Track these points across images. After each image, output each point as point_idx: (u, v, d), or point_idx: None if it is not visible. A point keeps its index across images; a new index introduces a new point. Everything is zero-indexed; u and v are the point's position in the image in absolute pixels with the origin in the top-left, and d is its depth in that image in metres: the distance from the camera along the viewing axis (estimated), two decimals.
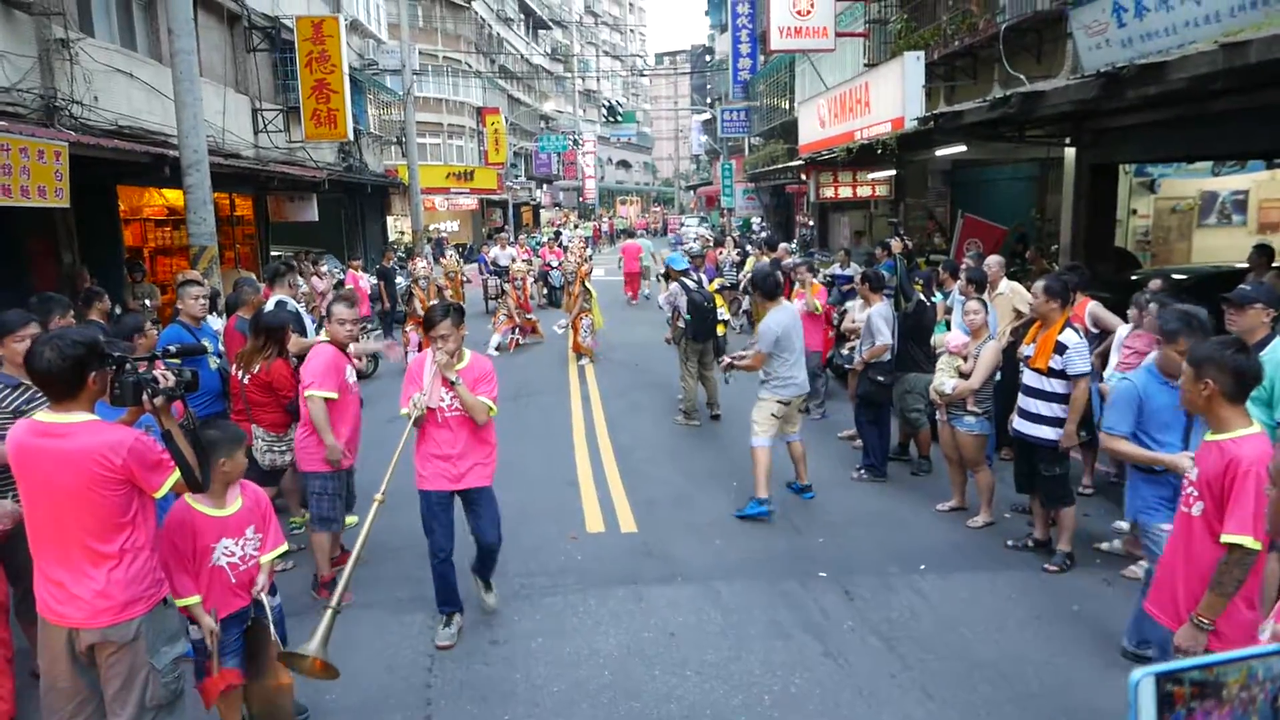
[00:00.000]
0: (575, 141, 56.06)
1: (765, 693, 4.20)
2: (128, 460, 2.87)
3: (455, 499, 4.65)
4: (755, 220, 33.15)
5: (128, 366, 3.00)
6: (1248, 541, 2.91)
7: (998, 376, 6.18)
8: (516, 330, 14.44)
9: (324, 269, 14.86)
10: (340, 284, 14.08)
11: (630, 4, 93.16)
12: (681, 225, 45.92)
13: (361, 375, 7.98)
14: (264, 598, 3.50)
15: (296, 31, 16.40)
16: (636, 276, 21.03)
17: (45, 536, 2.95)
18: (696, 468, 7.77)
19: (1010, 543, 5.81)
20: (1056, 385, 5.28)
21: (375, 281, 15.15)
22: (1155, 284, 6.44)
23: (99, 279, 10.10)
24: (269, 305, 7.02)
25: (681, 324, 9.40)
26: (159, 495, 3.00)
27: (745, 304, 13.99)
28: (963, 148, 12.22)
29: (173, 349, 3.51)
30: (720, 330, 9.62)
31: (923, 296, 7.33)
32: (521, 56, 51.07)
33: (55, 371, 2.85)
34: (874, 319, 7.18)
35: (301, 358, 5.39)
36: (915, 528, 6.23)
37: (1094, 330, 6.55)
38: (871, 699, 4.13)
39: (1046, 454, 5.38)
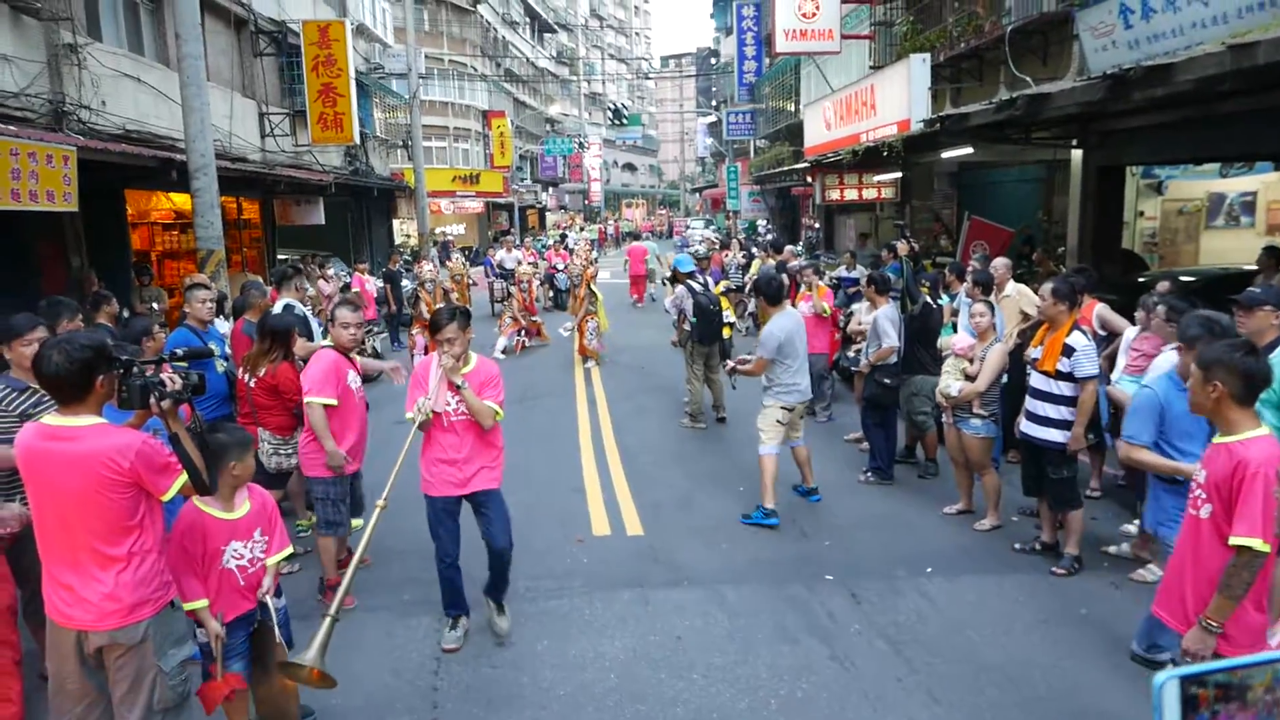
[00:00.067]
0: (581, 144, 56.10)
1: (772, 696, 4.19)
2: (135, 463, 2.88)
3: (463, 504, 4.61)
4: (761, 223, 33.15)
5: (135, 370, 3.01)
6: (1256, 544, 2.90)
7: (1004, 379, 6.17)
8: (522, 333, 14.46)
9: (330, 272, 14.90)
10: (346, 287, 14.12)
11: (635, 7, 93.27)
12: (687, 228, 45.91)
13: (367, 378, 7.97)
14: (269, 600, 3.51)
15: (303, 36, 16.48)
16: (642, 279, 21.04)
17: (53, 539, 2.96)
18: (702, 471, 7.76)
19: (1017, 546, 5.79)
20: (1064, 388, 5.26)
21: (381, 285, 15.19)
22: (1163, 286, 6.42)
23: (107, 282, 10.13)
24: (276, 308, 7.03)
25: (687, 327, 9.40)
26: (166, 498, 3.01)
27: (751, 306, 13.99)
28: (969, 150, 12.19)
29: (180, 352, 3.51)
30: (726, 333, 9.61)
31: (929, 299, 7.33)
32: (527, 60, 51.18)
33: (63, 375, 2.86)
34: (880, 321, 7.17)
35: (307, 361, 5.39)
36: (922, 531, 6.21)
37: (1101, 332, 6.53)
38: (878, 703, 4.12)
39: (1054, 457, 5.36)
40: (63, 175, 8.02)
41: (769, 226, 31.08)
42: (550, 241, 29.11)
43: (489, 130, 38.59)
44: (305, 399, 4.96)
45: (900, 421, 7.54)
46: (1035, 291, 6.79)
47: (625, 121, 68.21)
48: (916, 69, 11.99)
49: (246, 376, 5.59)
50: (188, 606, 3.25)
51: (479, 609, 4.87)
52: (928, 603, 5.12)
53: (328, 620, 3.59)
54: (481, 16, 40.65)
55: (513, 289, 14.88)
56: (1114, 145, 9.80)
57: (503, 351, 13.60)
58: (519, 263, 17.40)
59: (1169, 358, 5.03)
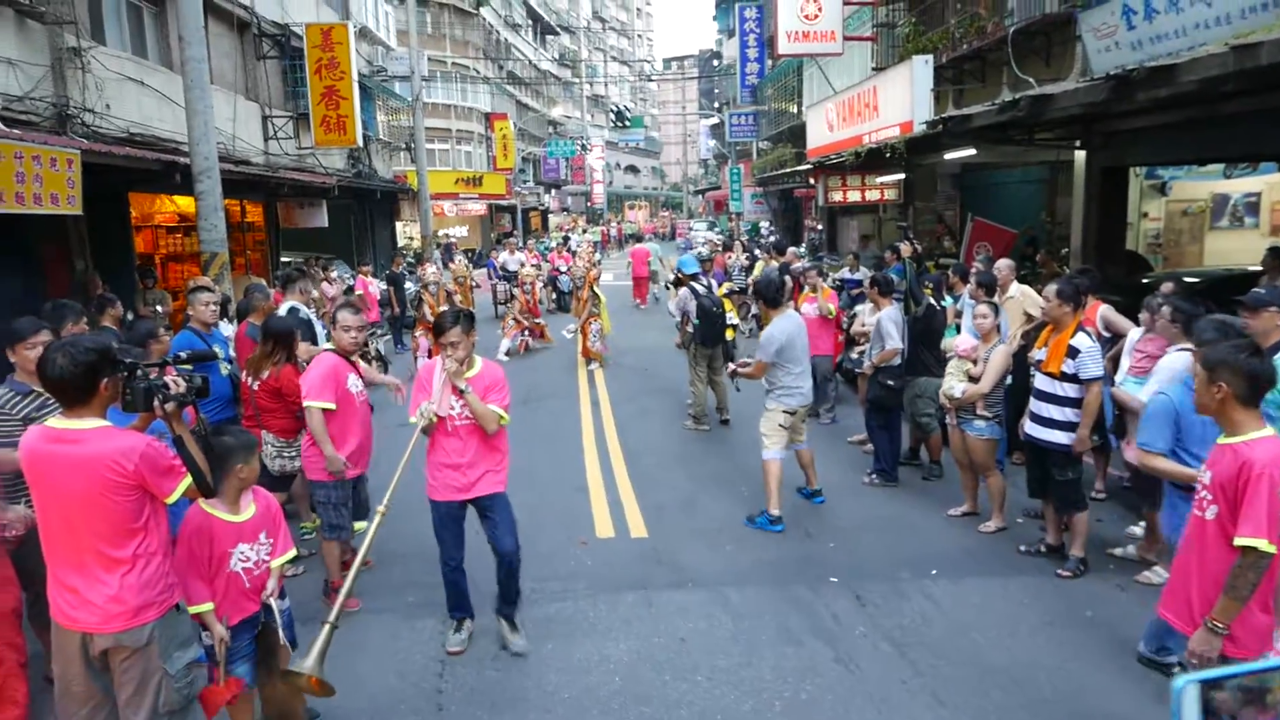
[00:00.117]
0: (583, 146, 56.18)
1: (776, 699, 4.18)
2: (139, 466, 2.89)
3: (468, 508, 4.57)
4: (764, 224, 33.18)
5: (139, 373, 3.01)
6: (1262, 544, 2.89)
7: (1008, 380, 6.16)
8: (525, 334, 14.47)
9: (334, 275, 14.93)
10: (350, 289, 14.15)
11: (638, 9, 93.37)
12: (690, 230, 45.95)
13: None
14: (273, 602, 3.52)
15: (306, 39, 16.52)
16: (645, 281, 21.05)
17: (58, 542, 2.96)
18: (706, 473, 7.75)
19: (1022, 548, 5.77)
20: (1069, 389, 5.25)
21: (385, 287, 15.22)
22: (1167, 287, 6.41)
23: (111, 285, 10.17)
24: (281, 311, 7.03)
25: (690, 329, 9.40)
26: (170, 501, 3.01)
27: (754, 308, 13.97)
28: (972, 151, 12.19)
29: (183, 355, 3.52)
30: (729, 335, 9.61)
31: (932, 300, 7.32)
32: (529, 62, 51.25)
33: (67, 378, 2.87)
34: (884, 323, 7.15)
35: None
36: (926, 533, 6.20)
37: (1105, 334, 6.51)
38: (883, 705, 4.11)
39: (1059, 458, 5.35)
40: (67, 179, 8.04)
41: (772, 228, 31.11)
42: (553, 244, 29.15)
43: (492, 132, 38.65)
44: (303, 403, 4.94)
45: (904, 423, 7.53)
46: (1039, 293, 6.79)
47: (628, 124, 68.32)
48: (919, 70, 11.98)
49: (249, 379, 5.60)
50: (193, 610, 3.25)
51: (483, 612, 4.87)
52: (932, 605, 5.11)
53: (326, 627, 3.58)
54: (484, 19, 40.71)
55: (515, 291, 14.89)
56: (1117, 146, 9.79)
57: (506, 353, 13.61)
58: (522, 265, 17.42)
59: (1173, 359, 5.03)
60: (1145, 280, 10.04)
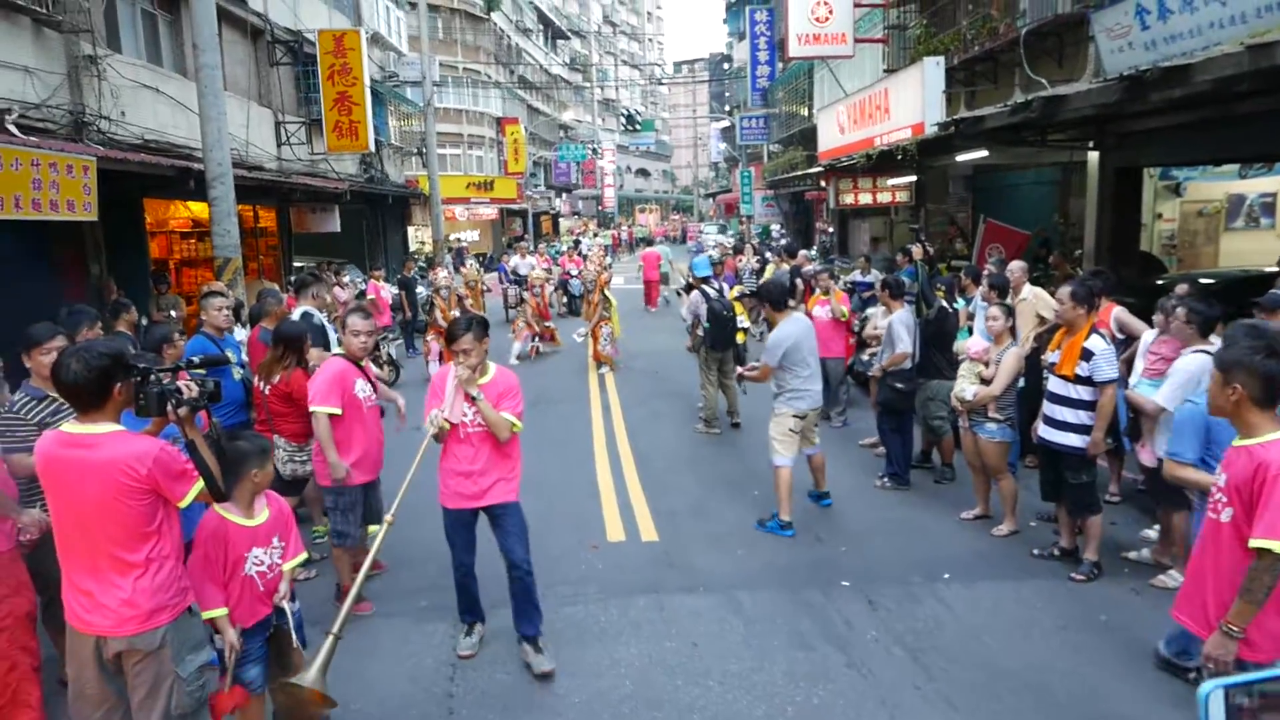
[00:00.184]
0: (594, 150, 56.29)
1: (788, 703, 4.17)
2: (153, 470, 2.90)
3: (479, 515, 4.54)
4: (775, 227, 33.13)
5: (152, 377, 3.03)
6: (1277, 546, 2.86)
7: (1021, 383, 6.12)
8: (536, 338, 14.50)
9: (346, 279, 15.01)
10: (362, 294, 14.22)
11: (648, 13, 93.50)
12: (701, 233, 45.95)
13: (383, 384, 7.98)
14: (285, 604, 3.54)
15: (318, 45, 16.61)
16: (656, 284, 21.05)
17: (73, 546, 2.99)
18: (717, 476, 7.74)
19: (1036, 551, 5.73)
20: (1083, 392, 5.22)
21: (397, 291, 15.28)
22: (1182, 288, 6.36)
23: (126, 290, 10.24)
24: (294, 315, 7.07)
25: (701, 332, 9.39)
26: (183, 505, 3.03)
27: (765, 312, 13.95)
28: (984, 153, 12.14)
29: (196, 360, 3.54)
30: (740, 338, 9.60)
31: (944, 303, 7.29)
32: (540, 67, 51.41)
33: (81, 383, 2.89)
34: (895, 326, 7.13)
35: None
36: (939, 536, 6.17)
37: (1119, 336, 6.47)
38: (896, 710, 4.09)
39: (1073, 461, 5.31)
40: (83, 185, 8.12)
41: (783, 231, 31.06)
42: (564, 247, 29.21)
43: (503, 137, 38.77)
44: (310, 408, 4.93)
45: (916, 426, 7.50)
46: (1052, 295, 6.75)
47: (638, 127, 68.40)
48: (930, 72, 11.94)
49: (261, 384, 5.62)
50: (206, 615, 3.26)
51: (495, 615, 4.87)
52: (945, 609, 5.08)
53: (330, 639, 3.56)
54: (495, 24, 40.87)
55: (525, 294, 14.94)
56: (1131, 147, 9.73)
57: (517, 357, 13.64)
58: (533, 268, 17.46)
59: (1187, 361, 4.99)
60: (1159, 282, 9.98)
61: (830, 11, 15.67)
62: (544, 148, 50.28)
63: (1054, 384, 5.39)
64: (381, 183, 21.81)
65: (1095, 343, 5.18)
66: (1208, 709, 1.47)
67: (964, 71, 13.04)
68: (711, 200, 67.36)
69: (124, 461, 2.88)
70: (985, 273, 8.21)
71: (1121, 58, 7.99)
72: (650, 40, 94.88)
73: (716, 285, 9.87)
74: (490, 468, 4.43)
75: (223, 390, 3.34)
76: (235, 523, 3.41)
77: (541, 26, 52.51)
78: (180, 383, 3.09)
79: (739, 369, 6.99)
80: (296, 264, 16.93)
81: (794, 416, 6.28)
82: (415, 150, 27.19)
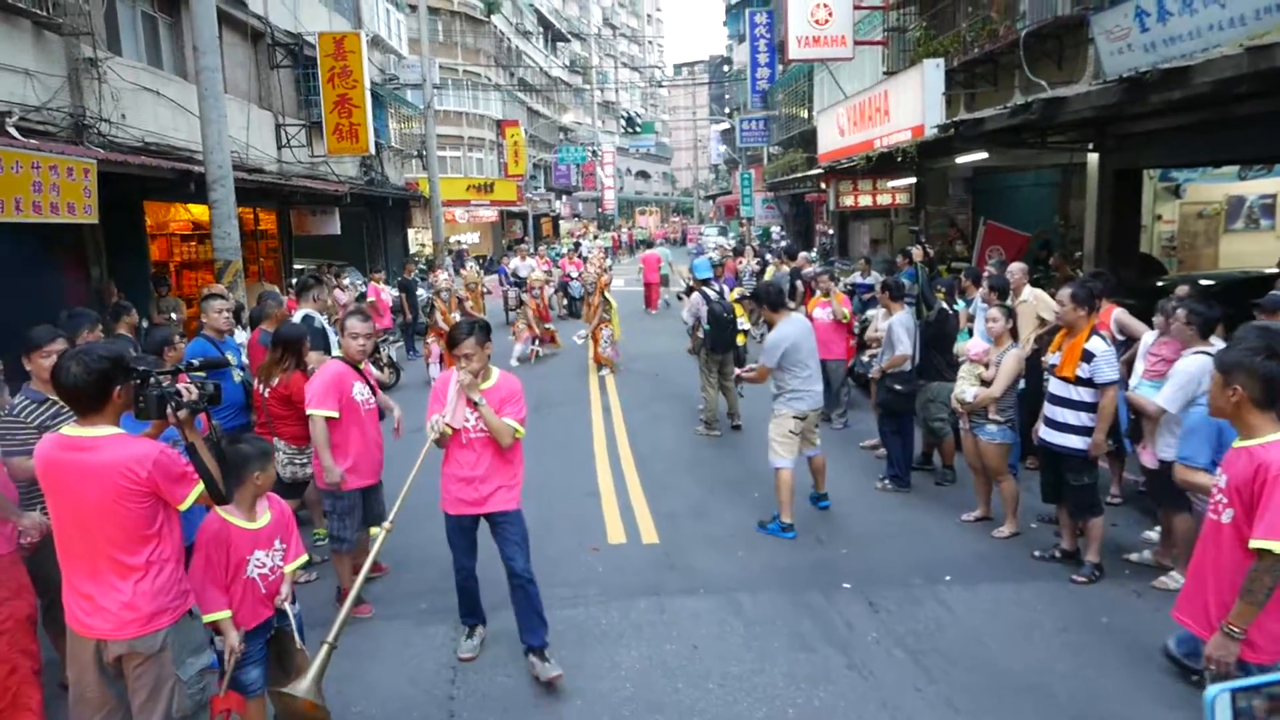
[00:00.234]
0: (594, 153, 56.33)
1: (789, 705, 4.16)
2: (153, 473, 2.90)
3: (480, 520, 4.51)
4: (775, 229, 33.15)
5: (152, 380, 3.03)
6: (1277, 547, 2.86)
7: (1021, 385, 6.12)
8: (536, 341, 14.50)
9: (346, 282, 15.01)
10: (362, 296, 14.22)
11: (648, 16, 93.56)
12: (701, 235, 45.96)
13: (383, 386, 7.99)
14: (286, 606, 3.54)
15: (319, 48, 16.62)
16: (656, 286, 21.05)
17: (73, 549, 2.98)
18: (718, 478, 7.74)
19: (1037, 553, 5.73)
20: (1084, 393, 5.22)
21: (397, 294, 15.28)
22: (1182, 290, 6.36)
23: (126, 293, 10.24)
24: (295, 318, 7.07)
25: (701, 334, 9.39)
26: (183, 507, 3.03)
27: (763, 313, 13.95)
28: (984, 155, 12.14)
29: (196, 362, 3.54)
30: (740, 340, 9.60)
31: (944, 305, 7.29)
32: (540, 69, 51.43)
33: (81, 386, 2.89)
34: (894, 328, 7.13)
35: None
36: (940, 538, 6.17)
37: (1120, 337, 6.47)
38: (897, 712, 4.08)
39: (1074, 463, 5.31)
40: (83, 188, 8.12)
41: (783, 233, 31.07)
42: (564, 249, 29.22)
43: (503, 139, 38.77)
44: (306, 411, 4.92)
45: (917, 428, 7.49)
46: (1052, 296, 6.75)
47: (638, 129, 68.41)
48: (930, 74, 11.96)
49: (261, 386, 5.62)
50: (208, 618, 3.25)
51: (495, 618, 4.87)
52: (946, 611, 5.07)
53: (324, 648, 3.54)
54: (495, 27, 40.88)
55: (525, 296, 14.94)
56: (1131, 148, 9.74)
57: (518, 360, 13.64)
58: (533, 270, 17.47)
59: (1188, 362, 4.99)
60: (1160, 283, 9.97)
61: (830, 14, 15.69)
62: (544, 150, 50.30)
63: (1055, 386, 5.39)
64: (382, 185, 21.82)
65: (1096, 344, 5.18)
66: (1214, 712, 1.47)
67: (964, 73, 13.06)
68: (711, 202, 67.36)
69: (124, 464, 2.88)
70: (985, 274, 8.20)
71: (1121, 59, 8.01)
72: (650, 43, 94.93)
73: (717, 287, 9.87)
74: (492, 474, 4.39)
75: (223, 393, 3.34)
76: (237, 525, 3.42)
77: (541, 29, 52.54)
78: (180, 385, 3.09)
79: (737, 371, 6.98)
80: (297, 266, 16.93)
81: (794, 417, 6.27)
82: (415, 153, 27.21)
